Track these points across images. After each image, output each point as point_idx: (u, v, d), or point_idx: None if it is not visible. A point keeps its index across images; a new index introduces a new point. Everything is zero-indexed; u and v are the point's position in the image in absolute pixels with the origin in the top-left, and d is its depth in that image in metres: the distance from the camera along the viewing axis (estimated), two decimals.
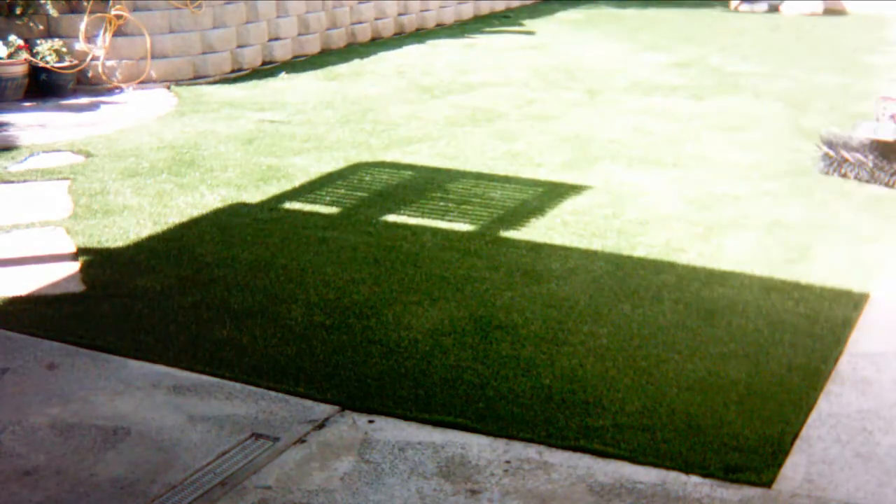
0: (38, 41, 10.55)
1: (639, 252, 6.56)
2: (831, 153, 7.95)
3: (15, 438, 4.37)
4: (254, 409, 4.64)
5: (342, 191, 7.76)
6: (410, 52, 13.52)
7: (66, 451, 4.27)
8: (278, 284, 5.97)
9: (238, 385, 4.86)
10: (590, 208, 7.37)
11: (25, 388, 4.81)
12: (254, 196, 7.55)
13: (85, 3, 10.81)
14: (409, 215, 7.17)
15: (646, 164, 8.57)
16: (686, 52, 13.71)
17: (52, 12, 10.63)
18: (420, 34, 14.91)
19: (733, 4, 17.70)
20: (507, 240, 6.74)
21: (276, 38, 12.57)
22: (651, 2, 18.57)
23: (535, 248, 6.62)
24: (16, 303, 5.66)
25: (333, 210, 7.29)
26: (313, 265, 6.25)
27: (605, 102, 10.81)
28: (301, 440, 4.39)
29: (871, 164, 7.68)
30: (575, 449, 4.36)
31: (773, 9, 17.53)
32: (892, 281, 6.26)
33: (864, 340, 5.49)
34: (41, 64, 10.37)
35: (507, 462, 4.27)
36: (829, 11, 17.43)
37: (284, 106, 10.31)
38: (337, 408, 4.67)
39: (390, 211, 7.26)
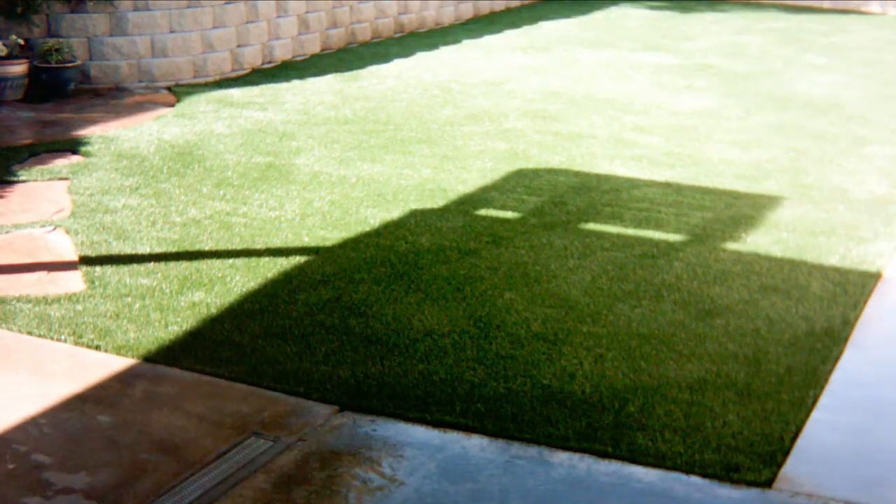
0: (39, 41, 10.54)
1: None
2: None
3: (16, 438, 4.37)
4: (254, 409, 4.64)
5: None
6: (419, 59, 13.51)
7: (67, 451, 4.27)
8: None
9: (238, 385, 4.86)
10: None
11: (26, 387, 4.81)
12: (252, 197, 7.55)
13: (88, 2, 10.81)
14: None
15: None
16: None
17: (53, 12, 10.62)
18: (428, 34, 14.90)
19: None
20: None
21: (276, 38, 12.56)
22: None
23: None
24: (16, 302, 5.66)
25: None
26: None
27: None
28: (301, 440, 4.39)
29: None
30: (575, 449, 4.36)
31: None
32: (891, 275, 6.26)
33: (863, 340, 5.49)
34: (42, 64, 10.36)
35: (507, 462, 4.27)
36: None
37: (281, 105, 10.30)
38: (337, 408, 4.67)
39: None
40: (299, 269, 6.20)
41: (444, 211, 7.28)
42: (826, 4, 18.27)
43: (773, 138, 9.46)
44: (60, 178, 7.86)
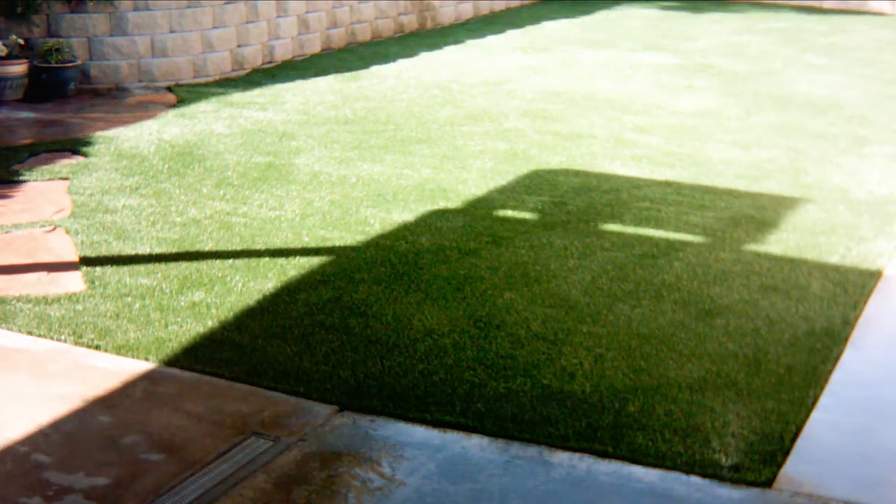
0: (39, 41, 10.55)
1: None
2: None
3: (16, 438, 4.37)
4: (254, 409, 4.64)
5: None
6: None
7: (67, 451, 4.27)
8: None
9: (238, 385, 4.86)
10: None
11: (26, 387, 4.81)
12: (249, 198, 7.55)
13: (88, 2, 10.81)
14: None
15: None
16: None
17: (53, 12, 10.62)
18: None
19: None
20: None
21: (277, 38, 12.57)
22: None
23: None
24: (16, 302, 5.66)
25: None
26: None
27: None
28: (301, 440, 4.39)
29: None
30: (575, 449, 4.36)
31: None
32: (892, 275, 6.26)
33: (863, 339, 5.49)
34: (42, 64, 10.36)
35: (507, 462, 4.27)
36: None
37: (280, 105, 10.30)
38: (337, 408, 4.67)
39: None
40: (299, 269, 6.21)
41: (443, 211, 7.28)
42: (829, 4, 18.24)
43: (774, 138, 9.46)
44: (60, 178, 7.86)
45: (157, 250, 6.47)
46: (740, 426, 4.56)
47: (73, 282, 5.98)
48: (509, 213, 7.28)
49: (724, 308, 5.78)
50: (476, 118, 9.94)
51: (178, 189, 7.64)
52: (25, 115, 9.80)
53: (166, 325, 5.43)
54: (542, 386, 4.88)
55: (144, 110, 10.07)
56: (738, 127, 9.85)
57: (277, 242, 6.64)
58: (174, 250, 6.47)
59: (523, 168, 8.36)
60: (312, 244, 6.62)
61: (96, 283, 5.95)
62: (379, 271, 6.20)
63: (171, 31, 11.32)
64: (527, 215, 7.24)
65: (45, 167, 8.13)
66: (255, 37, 12.25)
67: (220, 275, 6.09)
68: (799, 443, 4.45)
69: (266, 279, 6.04)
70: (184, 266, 6.22)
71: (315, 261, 6.34)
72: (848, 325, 5.62)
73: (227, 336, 5.33)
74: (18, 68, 10.22)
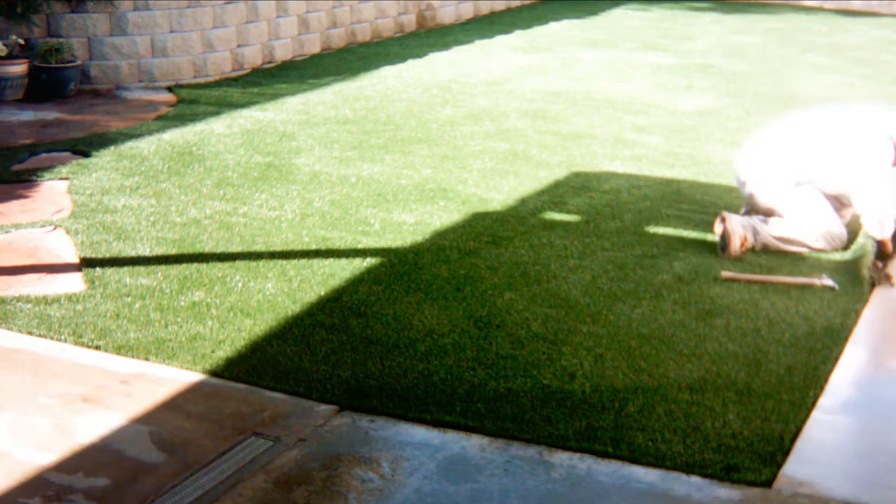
0: (39, 41, 10.55)
1: None
2: None
3: (15, 438, 4.37)
4: (254, 409, 4.64)
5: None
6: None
7: (67, 451, 4.27)
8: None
9: (238, 385, 4.86)
10: None
11: (26, 387, 4.81)
12: (247, 195, 7.55)
13: (89, 2, 10.81)
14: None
15: None
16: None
17: (53, 12, 10.62)
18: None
19: None
20: None
21: (277, 38, 12.57)
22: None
23: None
24: (16, 302, 5.66)
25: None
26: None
27: None
28: (301, 440, 4.39)
29: None
30: (575, 449, 4.36)
31: None
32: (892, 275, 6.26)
33: (863, 339, 5.49)
34: (42, 64, 10.36)
35: (507, 462, 4.27)
36: None
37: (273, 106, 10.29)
38: (337, 408, 4.67)
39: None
40: (299, 269, 6.20)
41: (443, 211, 7.28)
42: (829, 4, 18.24)
43: None
44: (60, 178, 7.86)
45: (157, 250, 6.47)
46: (740, 426, 4.56)
47: (73, 282, 5.98)
48: (509, 212, 7.28)
49: (724, 308, 5.78)
50: (476, 118, 9.94)
51: (178, 189, 7.64)
52: (25, 115, 9.80)
53: (166, 325, 5.43)
54: (542, 386, 4.88)
55: (144, 110, 10.07)
56: (738, 127, 9.85)
57: (277, 242, 6.64)
58: (174, 250, 6.47)
59: (523, 168, 8.36)
60: (312, 244, 6.62)
61: (96, 283, 5.95)
62: (379, 271, 6.20)
63: (171, 31, 11.32)
64: (527, 215, 7.24)
65: (45, 167, 8.12)
66: (255, 37, 12.25)
67: (220, 275, 6.09)
68: (799, 443, 4.45)
69: (266, 279, 6.04)
70: (184, 266, 6.22)
71: (315, 261, 6.34)
72: (848, 324, 5.62)
73: (228, 336, 5.33)
74: (18, 68, 10.22)
